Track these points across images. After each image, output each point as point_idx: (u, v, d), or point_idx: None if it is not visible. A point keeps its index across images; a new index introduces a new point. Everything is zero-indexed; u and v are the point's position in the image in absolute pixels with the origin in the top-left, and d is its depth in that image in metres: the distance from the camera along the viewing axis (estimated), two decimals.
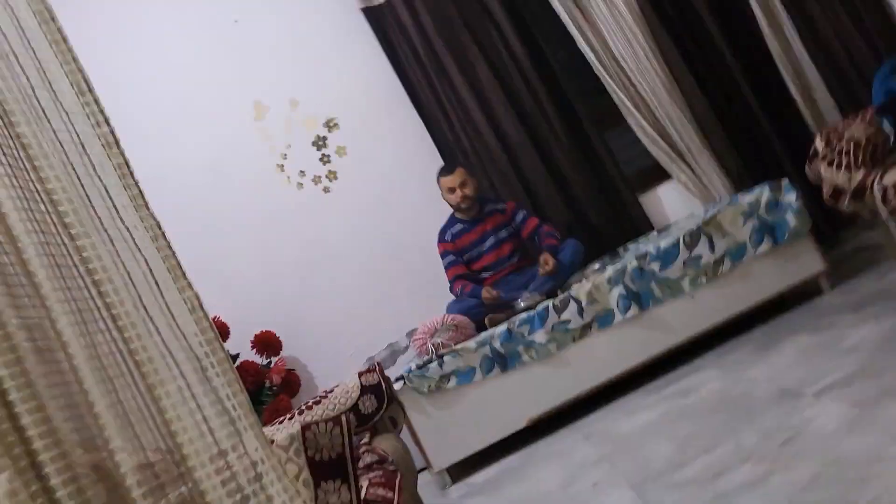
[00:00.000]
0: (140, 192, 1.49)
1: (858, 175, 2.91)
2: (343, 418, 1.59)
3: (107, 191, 1.45)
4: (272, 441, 1.63)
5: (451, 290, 4.01)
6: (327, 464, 1.58)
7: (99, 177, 1.44)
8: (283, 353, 4.42)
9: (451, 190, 3.96)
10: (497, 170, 4.26)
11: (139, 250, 1.44)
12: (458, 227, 4.06)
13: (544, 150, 4.28)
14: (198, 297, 1.46)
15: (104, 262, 1.38)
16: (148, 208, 1.49)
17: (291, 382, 4.36)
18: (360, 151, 4.48)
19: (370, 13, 4.37)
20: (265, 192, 4.49)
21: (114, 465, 1.31)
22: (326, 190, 4.48)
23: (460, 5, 4.32)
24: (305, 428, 1.59)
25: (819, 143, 3.05)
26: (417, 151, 4.43)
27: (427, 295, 4.32)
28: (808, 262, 3.44)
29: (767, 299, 3.45)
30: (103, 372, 1.33)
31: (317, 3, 4.51)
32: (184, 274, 1.48)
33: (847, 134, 2.99)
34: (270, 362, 4.36)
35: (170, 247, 1.48)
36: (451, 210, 4.11)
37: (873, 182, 2.80)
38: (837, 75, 3.98)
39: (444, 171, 4.03)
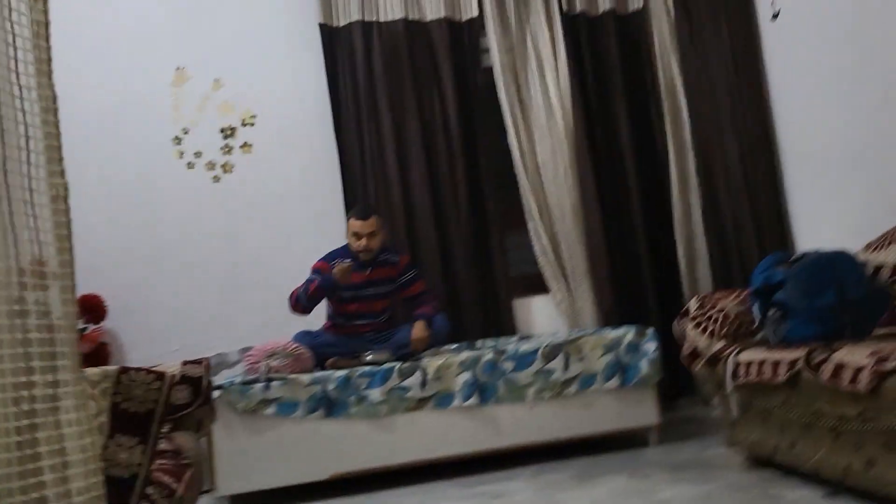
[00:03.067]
0: (49, 57, 1.36)
1: (718, 344, 3.05)
2: (168, 375, 1.44)
3: (14, 39, 1.30)
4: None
5: (294, 293, 3.79)
6: (131, 416, 1.42)
7: (12, 21, 1.30)
8: (102, 325, 4.11)
9: (358, 236, 3.77)
10: (392, 223, 4.21)
11: (24, 113, 1.29)
12: (349, 262, 3.77)
13: (443, 223, 4.29)
14: (66, 188, 1.31)
15: None
16: (50, 77, 1.35)
17: (100, 356, 4.04)
18: (264, 155, 4.35)
19: (326, 31, 4.33)
20: (151, 158, 4.27)
21: None
22: (216, 179, 4.29)
23: (415, 59, 4.35)
24: (122, 371, 1.43)
25: (693, 304, 3.19)
26: (320, 179, 4.33)
27: (275, 319, 4.13)
28: (645, 412, 3.53)
29: (598, 434, 3.50)
30: None
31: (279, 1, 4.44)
32: (61, 159, 1.34)
33: (720, 304, 3.14)
34: (86, 329, 4.03)
35: (57, 126, 1.34)
36: (345, 242, 3.94)
37: (729, 355, 2.94)
38: (721, 252, 4.23)
39: (356, 214, 3.81)
